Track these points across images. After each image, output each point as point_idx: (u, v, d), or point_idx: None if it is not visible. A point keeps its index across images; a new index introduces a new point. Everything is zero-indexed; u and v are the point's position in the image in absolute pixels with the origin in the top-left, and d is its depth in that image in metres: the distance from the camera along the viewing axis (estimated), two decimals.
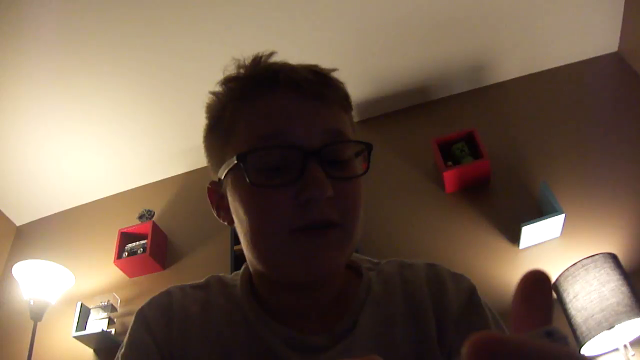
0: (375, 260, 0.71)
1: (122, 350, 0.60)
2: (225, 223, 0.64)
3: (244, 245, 0.60)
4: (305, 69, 0.60)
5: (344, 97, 0.63)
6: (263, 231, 0.57)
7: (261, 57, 0.62)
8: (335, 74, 0.63)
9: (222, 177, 0.61)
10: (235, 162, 0.57)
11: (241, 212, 0.58)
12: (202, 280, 0.68)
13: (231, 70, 0.62)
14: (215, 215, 0.65)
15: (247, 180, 0.56)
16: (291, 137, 0.56)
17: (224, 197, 0.62)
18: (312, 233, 0.55)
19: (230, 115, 0.60)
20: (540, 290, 0.26)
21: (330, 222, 0.55)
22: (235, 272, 0.69)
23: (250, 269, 0.65)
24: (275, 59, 0.63)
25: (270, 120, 0.58)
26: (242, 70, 0.62)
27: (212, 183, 0.65)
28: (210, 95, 0.64)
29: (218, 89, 0.63)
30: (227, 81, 0.62)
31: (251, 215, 0.57)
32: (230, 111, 0.60)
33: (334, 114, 0.60)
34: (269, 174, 0.56)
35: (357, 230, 0.59)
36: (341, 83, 0.63)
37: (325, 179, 0.54)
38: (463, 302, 0.62)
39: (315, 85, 0.59)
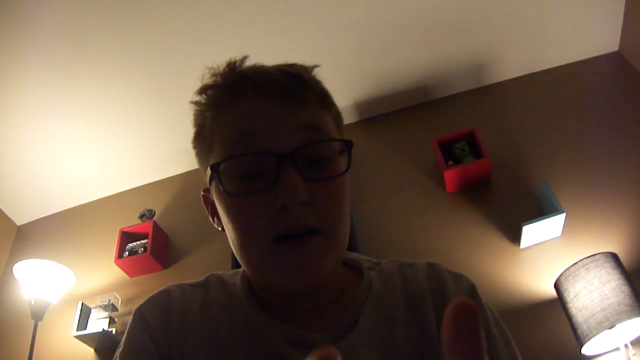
0: (376, 260, 0.71)
1: (121, 349, 0.60)
2: (220, 229, 0.64)
3: (234, 252, 0.60)
4: (278, 71, 0.59)
5: (320, 95, 0.61)
6: (246, 240, 0.57)
7: (235, 63, 0.61)
8: (329, 73, 0.62)
9: (209, 185, 0.62)
10: (211, 172, 0.57)
11: (225, 220, 0.59)
12: (201, 278, 0.68)
13: (207, 79, 0.62)
14: (211, 221, 0.66)
15: (222, 189, 0.56)
16: (262, 141, 0.55)
17: (214, 205, 0.63)
18: (293, 243, 0.54)
19: (209, 125, 0.61)
20: (465, 321, 0.26)
21: (309, 228, 0.54)
22: (235, 271, 0.69)
23: None
24: (275, 59, 0.63)
25: (239, 125, 0.57)
26: (217, 78, 0.61)
27: (205, 190, 0.66)
28: (192, 105, 0.63)
29: (197, 98, 0.63)
30: (203, 90, 0.62)
31: (233, 224, 0.57)
32: (209, 120, 0.61)
33: (308, 113, 0.58)
34: (245, 181, 0.55)
35: (341, 233, 0.58)
36: (317, 81, 0.62)
37: (299, 183, 0.53)
38: None
39: (286, 87, 0.58)
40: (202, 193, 0.66)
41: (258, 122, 0.57)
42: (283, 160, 0.54)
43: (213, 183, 0.60)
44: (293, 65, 0.62)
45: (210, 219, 0.65)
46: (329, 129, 0.59)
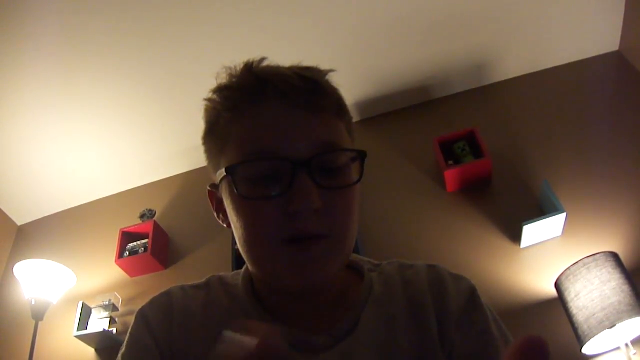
0: (376, 262, 0.71)
1: (123, 350, 0.60)
2: (225, 226, 0.64)
3: (240, 250, 0.60)
4: (296, 76, 0.59)
5: (337, 103, 0.62)
6: (254, 240, 0.57)
7: (252, 64, 0.61)
8: (333, 75, 0.62)
9: (218, 183, 0.62)
10: (225, 173, 0.57)
11: (234, 219, 0.59)
12: (203, 280, 0.68)
13: (223, 78, 0.61)
14: (216, 217, 0.66)
15: (236, 192, 0.56)
16: (280, 149, 0.55)
17: (222, 201, 0.63)
18: (301, 245, 0.54)
19: (224, 125, 0.60)
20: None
21: (317, 235, 0.55)
22: (236, 272, 0.69)
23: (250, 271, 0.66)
24: (275, 59, 0.62)
25: (258, 133, 0.57)
26: (234, 79, 0.61)
27: (212, 186, 0.65)
28: (206, 102, 0.63)
29: (212, 96, 0.62)
30: (220, 90, 0.62)
31: (242, 224, 0.57)
32: (224, 121, 0.60)
33: (325, 123, 0.59)
34: (259, 184, 0.56)
35: (348, 240, 0.58)
36: (334, 88, 0.62)
37: (313, 191, 0.53)
38: (463, 302, 0.63)
39: (305, 95, 0.58)
40: (208, 188, 0.66)
41: (277, 130, 0.57)
42: (299, 168, 0.54)
43: (224, 182, 0.60)
44: (310, 69, 0.61)
45: (215, 215, 0.65)
46: (343, 137, 0.60)
